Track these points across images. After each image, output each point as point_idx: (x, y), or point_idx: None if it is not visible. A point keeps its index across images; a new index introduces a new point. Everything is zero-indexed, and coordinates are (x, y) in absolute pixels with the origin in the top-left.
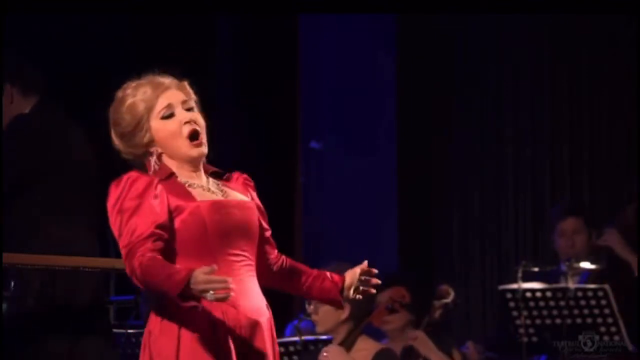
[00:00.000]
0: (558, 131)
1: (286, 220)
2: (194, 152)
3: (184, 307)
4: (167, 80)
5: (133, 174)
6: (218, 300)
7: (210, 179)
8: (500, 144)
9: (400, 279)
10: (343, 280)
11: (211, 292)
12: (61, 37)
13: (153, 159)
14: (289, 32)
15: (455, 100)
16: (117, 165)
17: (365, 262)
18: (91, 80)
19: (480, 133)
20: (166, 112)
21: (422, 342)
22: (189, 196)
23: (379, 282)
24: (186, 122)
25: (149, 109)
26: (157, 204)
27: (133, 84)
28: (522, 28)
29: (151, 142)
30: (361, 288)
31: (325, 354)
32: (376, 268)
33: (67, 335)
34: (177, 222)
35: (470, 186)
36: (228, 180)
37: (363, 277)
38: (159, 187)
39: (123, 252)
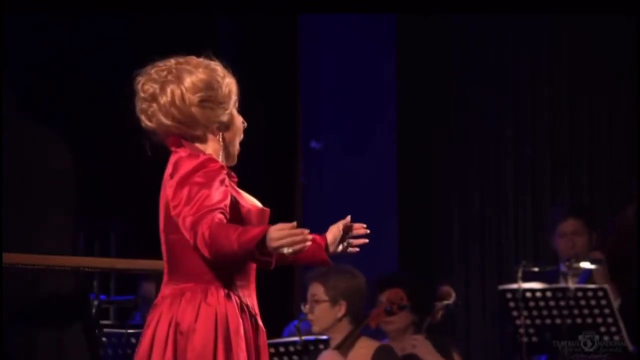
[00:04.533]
0: (558, 131)
1: (286, 220)
2: (235, 157)
3: (222, 305)
4: None
5: (207, 155)
6: (295, 253)
7: None
8: (500, 144)
9: (397, 281)
10: (325, 239)
11: (287, 248)
12: (60, 37)
13: (222, 142)
14: (289, 32)
15: (455, 100)
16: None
17: (348, 217)
18: (91, 80)
19: (480, 133)
20: (237, 105)
21: (422, 347)
22: (241, 195)
23: (367, 230)
24: (244, 124)
25: (235, 95)
26: (224, 189)
27: (213, 62)
28: (522, 28)
29: (222, 125)
30: (350, 241)
31: None
32: (376, 269)
33: (46, 331)
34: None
35: (470, 186)
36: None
37: (346, 230)
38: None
39: (188, 220)
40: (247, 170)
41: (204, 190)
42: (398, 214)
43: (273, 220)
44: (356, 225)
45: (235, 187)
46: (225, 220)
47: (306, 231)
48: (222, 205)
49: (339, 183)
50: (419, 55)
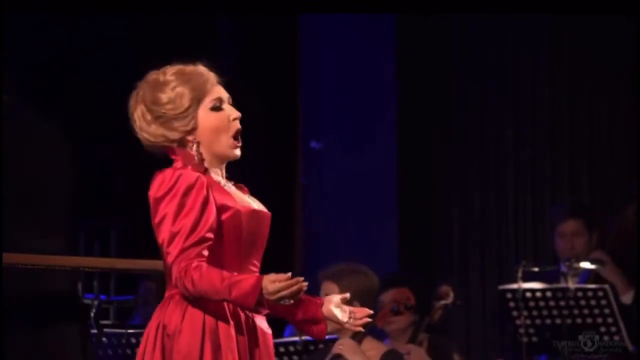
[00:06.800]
0: (558, 131)
1: (286, 220)
2: (233, 152)
3: (211, 307)
4: (213, 74)
5: (182, 169)
6: (293, 300)
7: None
8: (500, 144)
9: (404, 280)
10: (321, 301)
11: (286, 300)
12: (60, 37)
13: (194, 148)
14: (289, 32)
15: (455, 100)
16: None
17: (347, 295)
18: (91, 80)
19: (480, 133)
20: (216, 103)
21: (416, 356)
22: (229, 197)
23: (370, 311)
24: (234, 119)
25: (199, 98)
26: (209, 206)
27: (174, 69)
28: (522, 28)
29: (193, 130)
30: (354, 322)
31: (340, 346)
32: (376, 268)
33: (38, 331)
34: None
35: (470, 186)
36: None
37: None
38: (209, 185)
39: (170, 252)
40: (247, 170)
41: (184, 220)
42: (398, 214)
43: (273, 220)
44: (357, 310)
45: (220, 184)
46: (205, 255)
47: (301, 279)
48: (203, 235)
49: (339, 183)
50: (419, 55)
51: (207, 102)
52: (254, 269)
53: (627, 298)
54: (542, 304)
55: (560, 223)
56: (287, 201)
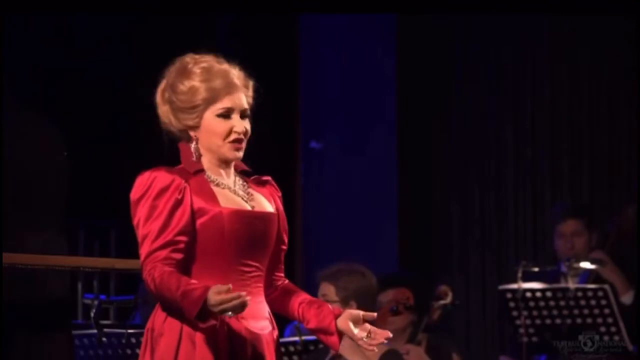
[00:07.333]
0: (558, 131)
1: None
2: (233, 153)
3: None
4: (238, 80)
5: (160, 172)
6: (236, 314)
7: (238, 179)
8: (500, 144)
9: (403, 280)
10: (340, 312)
11: (229, 313)
12: (60, 37)
13: (193, 145)
14: (289, 32)
15: (455, 100)
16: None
17: (375, 314)
18: (91, 80)
19: (480, 133)
20: (224, 112)
21: (415, 356)
22: (213, 199)
23: (390, 335)
24: (235, 132)
25: (211, 100)
26: (181, 208)
27: (205, 62)
28: (522, 28)
29: (195, 127)
30: (369, 341)
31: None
32: (376, 268)
33: (24, 332)
34: (196, 224)
35: (470, 186)
36: (256, 182)
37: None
38: (185, 188)
39: (141, 254)
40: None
41: (154, 223)
42: (398, 214)
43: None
44: (377, 331)
45: (211, 186)
46: (178, 256)
47: (243, 294)
48: (171, 238)
49: (339, 183)
50: (419, 55)
51: (217, 107)
52: (247, 269)
53: (627, 298)
54: (542, 304)
55: (560, 223)
56: (287, 201)
